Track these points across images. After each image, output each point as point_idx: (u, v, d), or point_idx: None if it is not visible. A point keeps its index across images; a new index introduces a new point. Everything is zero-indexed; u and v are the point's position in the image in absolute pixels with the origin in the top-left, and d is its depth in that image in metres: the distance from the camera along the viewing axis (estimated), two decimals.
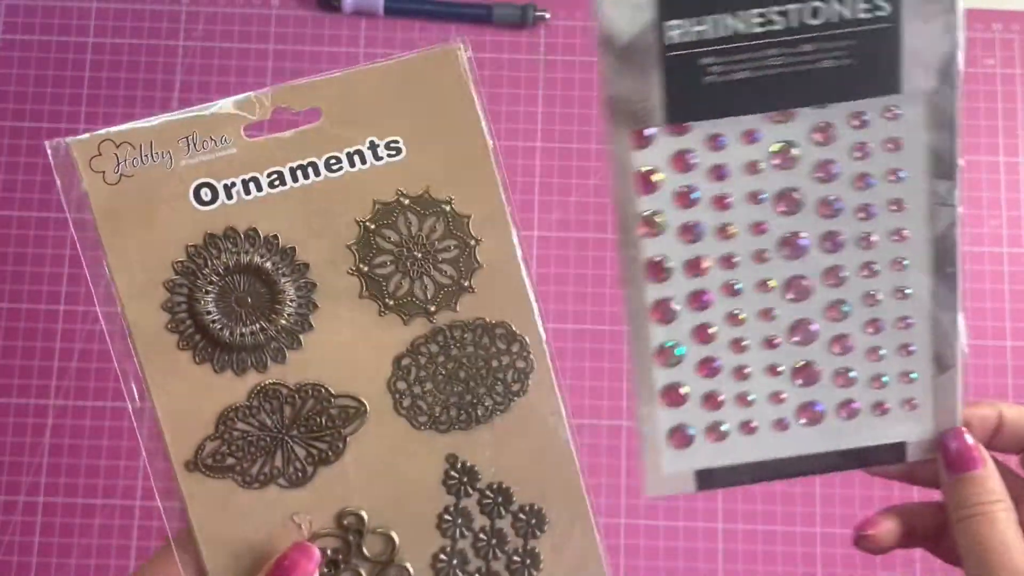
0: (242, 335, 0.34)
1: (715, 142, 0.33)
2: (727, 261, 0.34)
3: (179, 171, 0.34)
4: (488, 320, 0.35)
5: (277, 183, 0.34)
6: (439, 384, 0.35)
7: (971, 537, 0.32)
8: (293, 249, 0.34)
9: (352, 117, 0.34)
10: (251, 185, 0.34)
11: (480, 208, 0.35)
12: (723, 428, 0.35)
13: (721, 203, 0.33)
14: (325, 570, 0.34)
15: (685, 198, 0.33)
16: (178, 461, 0.34)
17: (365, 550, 0.35)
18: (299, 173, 0.34)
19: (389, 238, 0.35)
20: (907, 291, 0.34)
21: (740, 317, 0.34)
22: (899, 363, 0.34)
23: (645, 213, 0.33)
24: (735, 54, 0.32)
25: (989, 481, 0.33)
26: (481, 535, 0.35)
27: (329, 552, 0.34)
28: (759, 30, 0.31)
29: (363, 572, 0.35)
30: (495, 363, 0.35)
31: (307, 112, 0.34)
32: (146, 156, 0.34)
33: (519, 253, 0.35)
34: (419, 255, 0.35)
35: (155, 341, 0.34)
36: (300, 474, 0.34)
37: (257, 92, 0.34)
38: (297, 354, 0.34)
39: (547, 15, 0.61)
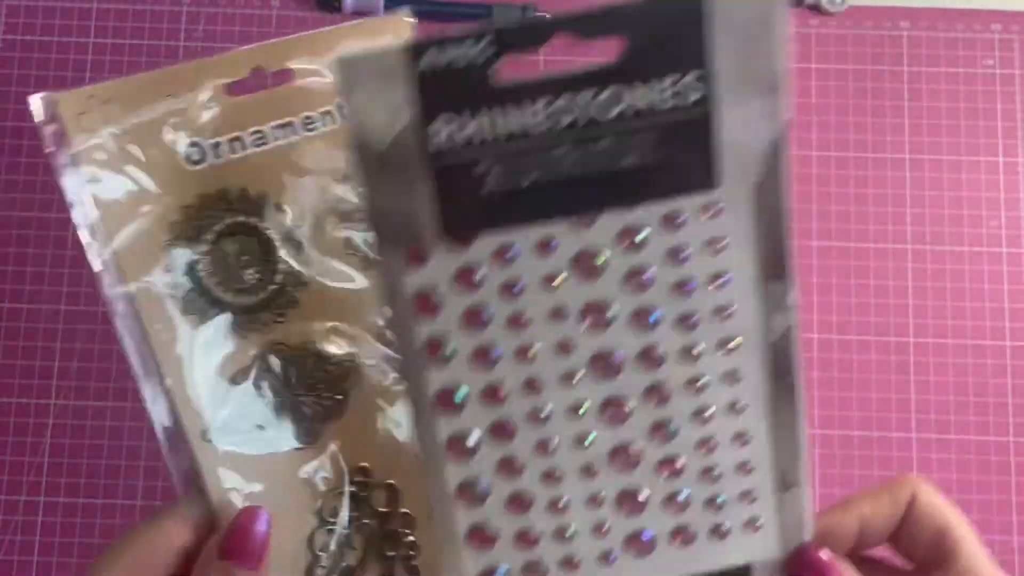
0: (238, 294, 0.35)
1: (504, 255, 0.28)
2: (530, 386, 0.29)
3: (166, 130, 0.35)
4: None
5: (260, 143, 0.35)
6: None
7: None
8: (280, 206, 0.35)
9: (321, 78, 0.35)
10: (236, 144, 0.35)
11: None
12: (541, 567, 0.31)
13: (518, 322, 0.29)
14: (343, 529, 0.35)
15: (475, 319, 0.28)
16: (194, 432, 0.34)
17: (372, 502, 0.35)
18: (279, 132, 0.35)
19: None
20: (742, 405, 0.30)
21: (550, 446, 0.30)
22: (737, 483, 0.30)
23: (430, 339, 0.29)
24: (518, 156, 0.27)
25: None
26: None
27: (344, 510, 0.35)
28: (546, 127, 0.27)
29: (371, 524, 0.35)
30: None
31: (279, 72, 0.36)
32: (131, 110, 0.35)
33: None
34: None
35: (156, 306, 0.34)
36: (308, 433, 0.35)
37: (237, 50, 0.35)
38: (294, 311, 0.35)
39: (547, 15, 0.61)
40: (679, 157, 0.27)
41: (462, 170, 0.27)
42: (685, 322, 0.29)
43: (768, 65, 0.27)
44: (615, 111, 0.26)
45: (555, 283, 0.28)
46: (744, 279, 0.29)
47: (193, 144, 0.34)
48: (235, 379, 0.35)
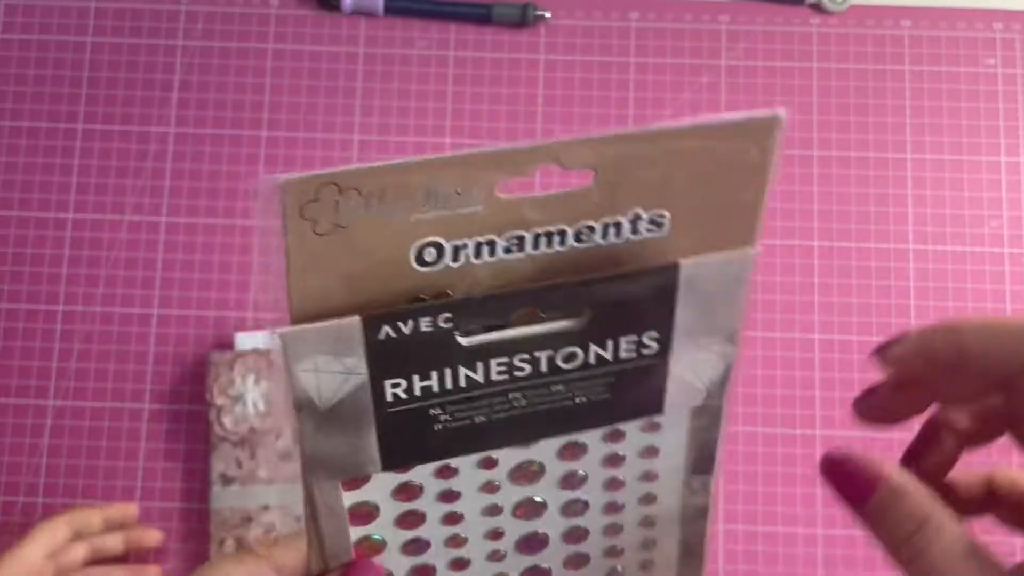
0: None
1: (446, 474, 0.29)
2: (458, 564, 0.30)
3: (408, 225, 0.26)
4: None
5: (515, 248, 0.27)
6: None
7: None
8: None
9: (626, 184, 0.27)
10: (484, 248, 0.26)
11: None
12: None
13: (452, 519, 0.29)
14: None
15: (409, 522, 0.29)
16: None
17: None
18: (542, 240, 0.27)
19: None
20: (655, 569, 0.32)
21: None
22: None
23: (362, 537, 0.29)
24: (471, 403, 0.27)
25: (905, 500, 0.26)
26: None
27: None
28: (501, 378, 0.27)
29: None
30: None
31: (579, 172, 0.27)
32: (372, 205, 0.26)
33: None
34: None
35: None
36: None
37: (526, 145, 0.26)
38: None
39: (547, 15, 0.61)
40: (630, 395, 0.28)
41: (412, 418, 0.27)
42: (612, 508, 0.31)
43: (728, 323, 0.28)
44: (572, 365, 0.27)
45: (493, 488, 0.29)
46: (671, 475, 0.31)
47: (431, 244, 0.26)
48: None
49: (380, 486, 0.28)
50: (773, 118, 0.26)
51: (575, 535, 0.31)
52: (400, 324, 0.26)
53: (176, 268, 0.59)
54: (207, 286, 0.59)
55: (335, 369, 0.26)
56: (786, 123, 0.26)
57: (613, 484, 0.31)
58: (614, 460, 0.30)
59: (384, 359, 0.26)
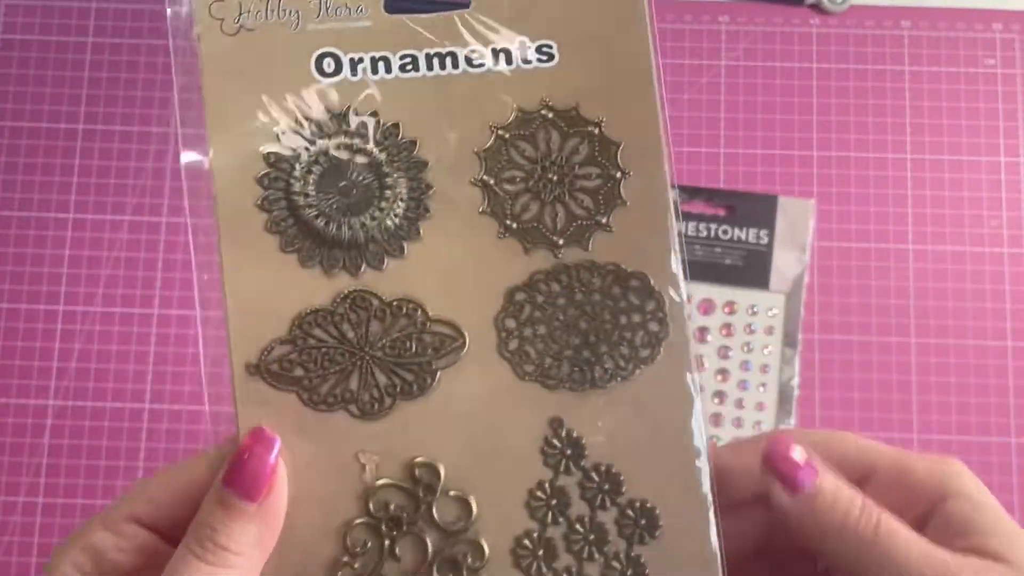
0: (339, 227, 0.29)
1: None
2: None
3: (305, 34, 0.30)
4: (623, 267, 0.30)
5: (409, 68, 0.30)
6: (554, 330, 0.30)
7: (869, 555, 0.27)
8: (413, 143, 0.30)
9: (505, 9, 0.30)
10: (380, 65, 0.30)
11: (633, 136, 0.30)
12: None
13: None
14: (384, 528, 0.28)
15: None
16: (239, 361, 0.29)
17: (435, 513, 0.29)
18: (435, 61, 0.30)
19: (524, 152, 0.30)
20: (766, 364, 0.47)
21: None
22: None
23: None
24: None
25: (842, 487, 0.28)
26: (578, 527, 0.29)
27: (392, 507, 0.29)
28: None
29: (428, 541, 0.29)
30: (623, 319, 0.29)
31: None
32: (272, 11, 0.30)
33: (671, 195, 0.30)
34: (554, 178, 0.30)
35: (241, 216, 0.29)
36: (376, 404, 0.29)
37: None
38: (396, 263, 0.29)
39: None
40: (753, 267, 0.56)
41: None
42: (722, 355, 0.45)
43: (802, 238, 0.56)
44: (726, 237, 0.53)
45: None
46: (775, 347, 0.51)
47: (329, 54, 0.30)
48: (306, 317, 0.29)
49: None
50: None
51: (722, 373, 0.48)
52: None
53: (177, 268, 0.59)
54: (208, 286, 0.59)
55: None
56: None
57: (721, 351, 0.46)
58: (727, 328, 0.46)
59: None
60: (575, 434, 0.29)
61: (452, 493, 0.29)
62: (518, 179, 0.30)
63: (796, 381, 0.56)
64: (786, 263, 0.57)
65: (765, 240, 0.57)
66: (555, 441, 0.29)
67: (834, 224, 0.59)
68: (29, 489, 0.57)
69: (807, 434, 0.30)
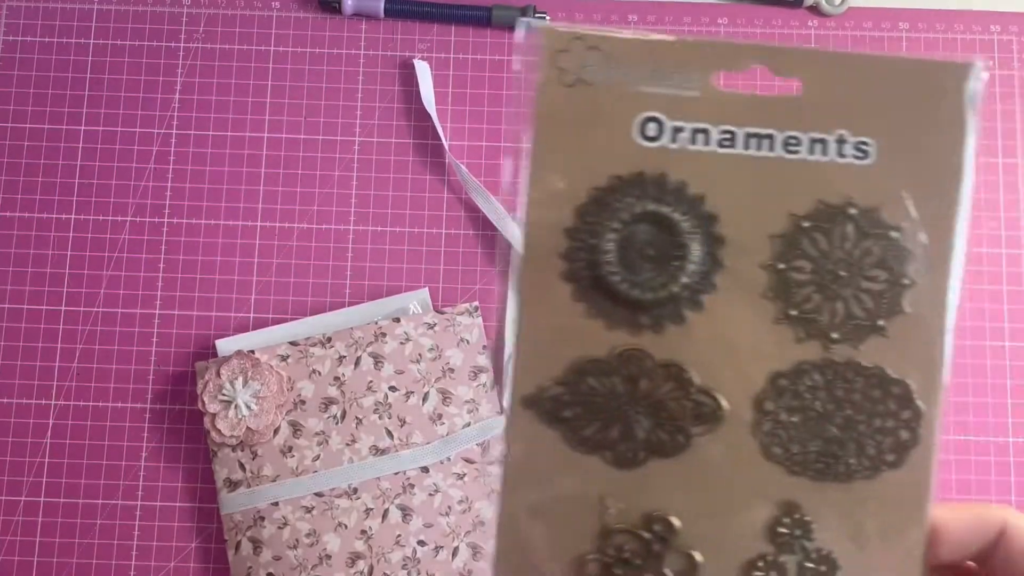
0: (631, 288, 0.30)
1: None
2: None
3: (637, 96, 0.31)
4: (889, 373, 0.31)
5: (727, 143, 0.31)
6: (809, 420, 0.31)
7: None
8: (714, 218, 0.31)
9: (832, 102, 0.31)
10: (699, 136, 0.31)
11: (928, 247, 0.30)
12: None
13: None
14: (615, 568, 0.31)
15: None
16: (517, 393, 0.31)
17: (664, 563, 0.31)
18: (752, 141, 0.31)
19: (818, 244, 0.31)
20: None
21: None
22: None
23: None
24: None
25: None
26: None
27: (626, 550, 0.31)
28: None
29: None
30: (877, 422, 0.31)
31: (786, 81, 0.31)
32: (612, 68, 0.31)
33: (951, 312, 0.30)
34: (843, 274, 0.31)
35: (543, 259, 0.31)
36: (631, 456, 0.31)
37: (747, 41, 0.31)
38: (675, 328, 0.31)
39: (547, 17, 0.61)
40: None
41: None
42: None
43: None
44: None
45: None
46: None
47: (653, 119, 0.31)
48: (583, 364, 0.31)
49: None
50: (969, 64, 0.30)
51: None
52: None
53: (178, 269, 0.59)
54: (209, 287, 0.59)
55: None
56: (984, 74, 0.30)
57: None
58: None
59: None
60: (806, 519, 0.30)
61: (681, 548, 0.31)
62: (806, 269, 0.31)
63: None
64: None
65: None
66: (785, 520, 0.30)
67: None
68: (31, 488, 0.57)
69: None
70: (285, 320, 0.58)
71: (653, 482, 0.31)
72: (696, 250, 0.30)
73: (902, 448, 0.30)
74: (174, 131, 0.60)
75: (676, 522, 0.31)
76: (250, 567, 0.54)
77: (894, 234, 0.30)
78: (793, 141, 0.31)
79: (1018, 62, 0.61)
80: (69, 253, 0.59)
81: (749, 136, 0.31)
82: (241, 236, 0.59)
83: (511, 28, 0.61)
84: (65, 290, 0.59)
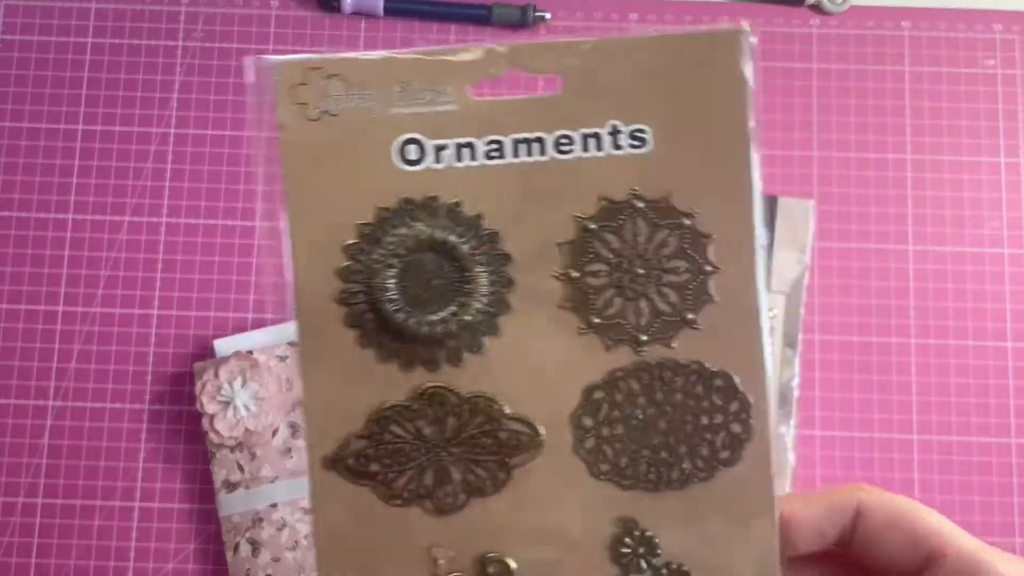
0: (419, 323, 0.29)
1: None
2: None
3: (389, 119, 0.29)
4: (708, 366, 0.29)
5: (495, 155, 0.29)
6: (632, 430, 0.29)
7: None
8: (496, 235, 0.29)
9: (597, 93, 0.29)
10: (465, 151, 0.29)
11: (726, 230, 0.29)
12: None
13: None
14: None
15: None
16: (316, 455, 0.29)
17: None
18: (522, 148, 0.29)
19: (610, 244, 0.29)
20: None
21: None
22: None
23: None
24: None
25: None
26: None
27: None
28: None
29: None
30: (704, 420, 0.29)
31: (545, 79, 0.30)
32: (354, 95, 0.29)
33: (761, 294, 0.29)
34: (641, 271, 0.29)
35: (320, 310, 0.29)
36: (450, 500, 0.29)
37: (495, 44, 0.29)
38: (475, 358, 0.29)
39: (547, 15, 0.61)
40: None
41: None
42: None
43: (802, 240, 0.54)
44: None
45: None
46: (776, 348, 0.49)
47: (413, 140, 0.29)
48: (383, 413, 0.29)
49: None
50: (737, 31, 0.28)
51: None
52: None
53: (176, 269, 0.59)
54: (208, 287, 0.59)
55: None
56: (750, 39, 0.28)
57: None
58: None
59: None
60: (648, 533, 0.29)
61: None
62: (602, 273, 0.29)
63: (796, 382, 0.56)
64: (786, 264, 0.57)
65: (765, 241, 0.56)
66: (627, 540, 0.29)
67: (834, 224, 0.59)
68: (29, 490, 0.57)
69: (881, 501, 0.29)
70: (284, 320, 0.58)
71: (480, 524, 0.29)
72: (482, 272, 0.29)
73: (736, 443, 0.29)
74: (172, 130, 0.60)
75: (512, 563, 0.29)
76: (248, 569, 0.54)
77: (688, 221, 0.29)
78: (565, 140, 0.29)
79: (1020, 61, 0.61)
80: (66, 253, 0.59)
81: (518, 143, 0.29)
82: (240, 236, 0.59)
83: (511, 26, 0.61)
84: (62, 290, 0.59)
